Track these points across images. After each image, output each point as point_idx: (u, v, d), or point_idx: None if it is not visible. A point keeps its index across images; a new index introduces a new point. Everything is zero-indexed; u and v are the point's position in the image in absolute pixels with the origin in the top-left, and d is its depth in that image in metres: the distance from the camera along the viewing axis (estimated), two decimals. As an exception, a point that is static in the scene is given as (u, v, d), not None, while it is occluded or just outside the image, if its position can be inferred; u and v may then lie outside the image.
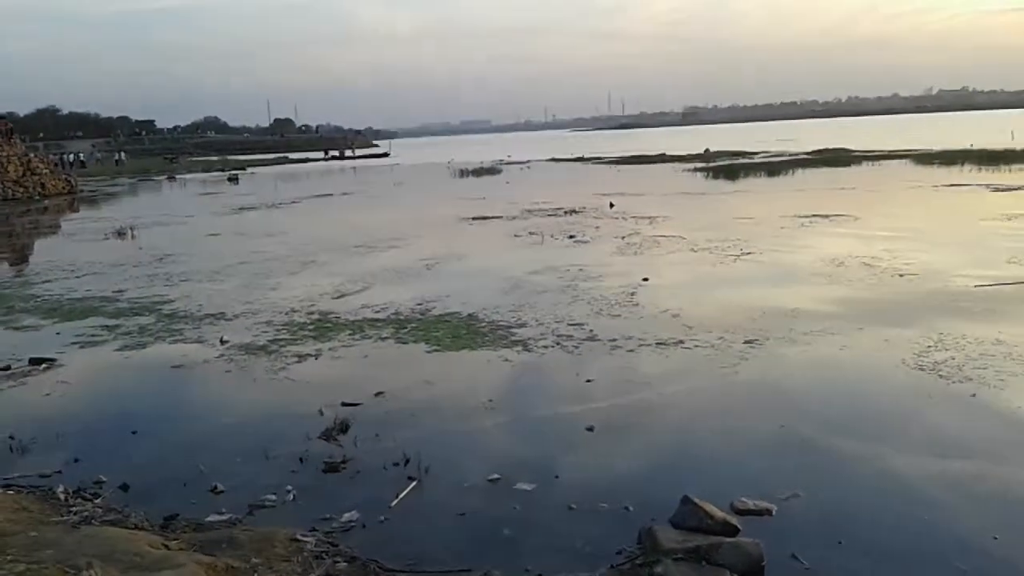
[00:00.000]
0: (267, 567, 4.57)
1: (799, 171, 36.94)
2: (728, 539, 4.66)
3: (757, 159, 48.09)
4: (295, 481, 5.95)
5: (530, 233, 19.28)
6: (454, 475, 5.94)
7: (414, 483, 5.80)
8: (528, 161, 60.45)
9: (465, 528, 5.21)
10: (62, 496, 5.80)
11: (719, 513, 4.94)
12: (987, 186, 25.25)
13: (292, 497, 5.70)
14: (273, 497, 5.68)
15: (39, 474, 6.23)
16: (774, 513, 5.18)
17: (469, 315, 10.79)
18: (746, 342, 8.97)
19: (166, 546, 4.72)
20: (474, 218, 23.12)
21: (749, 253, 14.82)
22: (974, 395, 7.08)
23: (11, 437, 7.05)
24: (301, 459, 6.35)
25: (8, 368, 9.20)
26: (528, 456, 6.26)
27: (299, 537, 4.99)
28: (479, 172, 48.47)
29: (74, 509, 5.54)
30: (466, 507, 5.46)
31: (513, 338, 9.56)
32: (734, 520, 4.95)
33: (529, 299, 11.69)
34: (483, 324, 10.28)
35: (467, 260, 15.80)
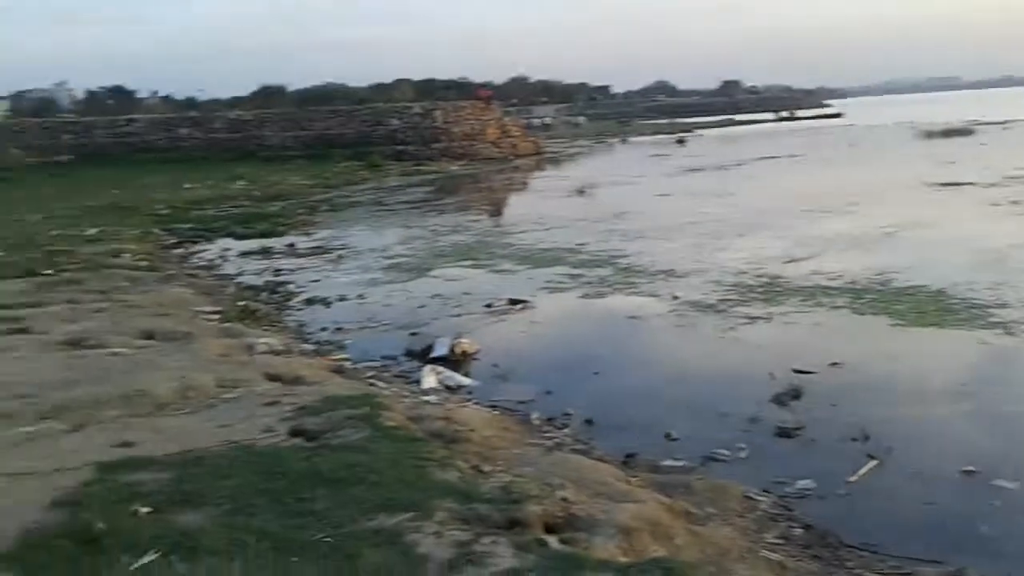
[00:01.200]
0: (721, 519, 4.67)
1: None
2: None
3: None
4: (747, 440, 5.98)
5: (1012, 202, 16.89)
6: (920, 460, 5.51)
7: (875, 462, 5.48)
8: (1008, 121, 52.86)
9: (933, 518, 4.82)
10: (536, 422, 6.51)
11: None
12: None
13: (744, 455, 5.75)
14: (726, 452, 5.77)
15: (518, 400, 7.05)
16: None
17: (938, 290, 9.81)
18: None
19: (627, 481, 5.05)
20: (942, 184, 20.88)
21: None
22: None
23: (495, 365, 8.08)
24: (752, 419, 6.35)
25: (491, 306, 10.48)
26: (1009, 451, 5.58)
27: (753, 495, 5.02)
28: (948, 133, 43.53)
29: (547, 435, 6.18)
30: (934, 496, 5.04)
31: (992, 319, 8.51)
32: None
33: (1013, 276, 10.27)
34: (954, 301, 9.29)
35: (934, 229, 14.36)
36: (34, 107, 79.23)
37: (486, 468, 4.90)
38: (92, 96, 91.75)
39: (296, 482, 4.26)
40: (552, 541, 3.78)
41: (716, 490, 5.02)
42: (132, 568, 3.29)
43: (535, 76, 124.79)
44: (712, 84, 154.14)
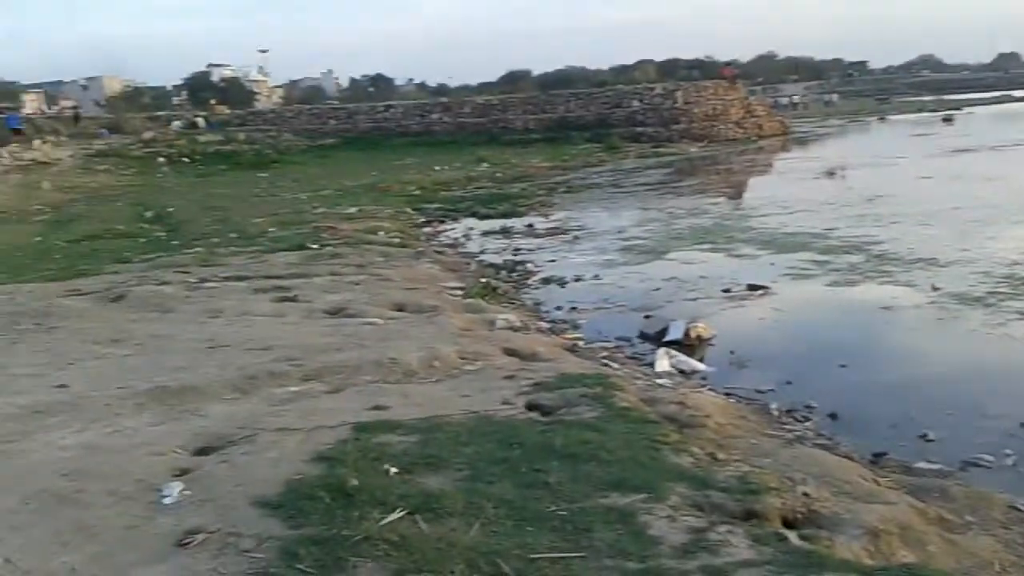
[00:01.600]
0: (982, 528, 4.26)
1: None
2: None
3: None
4: (1014, 446, 5.42)
5: None
6: None
7: None
8: None
9: None
10: (775, 413, 6.25)
11: None
12: None
13: (1011, 462, 5.22)
14: (989, 458, 5.27)
15: (756, 389, 6.82)
16: None
17: None
18: None
19: (875, 481, 4.74)
20: None
21: None
22: None
23: (731, 352, 7.85)
24: (1022, 424, 5.74)
25: (729, 291, 10.18)
26: None
27: (1020, 506, 4.54)
28: None
29: (787, 427, 5.93)
30: None
31: None
32: None
33: None
34: None
35: None
36: (304, 94, 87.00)
37: (721, 456, 4.79)
38: (355, 84, 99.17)
39: (531, 454, 4.39)
40: (791, 536, 3.63)
41: (977, 498, 4.58)
42: (381, 523, 3.54)
43: (784, 53, 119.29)
44: (985, 58, 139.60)
